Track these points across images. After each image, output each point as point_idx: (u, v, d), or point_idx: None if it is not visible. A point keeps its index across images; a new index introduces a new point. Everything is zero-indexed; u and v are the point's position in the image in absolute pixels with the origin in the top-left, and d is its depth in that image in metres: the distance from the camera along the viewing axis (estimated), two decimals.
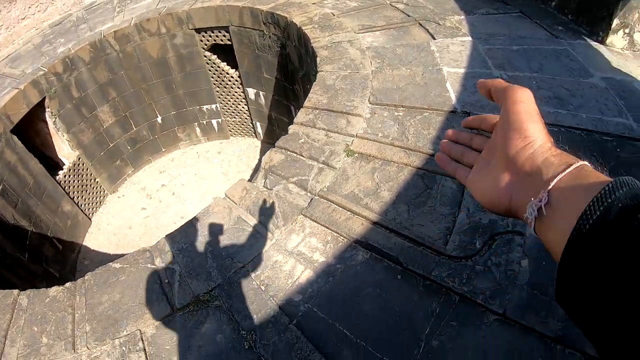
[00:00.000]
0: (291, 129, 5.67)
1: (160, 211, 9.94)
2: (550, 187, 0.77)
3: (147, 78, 10.03)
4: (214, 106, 11.15)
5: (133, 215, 9.96)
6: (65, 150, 9.11)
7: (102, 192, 10.39)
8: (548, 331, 3.37)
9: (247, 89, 10.41)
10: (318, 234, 4.34)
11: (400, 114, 5.66)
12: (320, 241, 4.27)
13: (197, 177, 10.66)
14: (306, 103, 6.05)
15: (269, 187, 4.87)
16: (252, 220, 4.51)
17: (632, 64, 6.40)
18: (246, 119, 11.30)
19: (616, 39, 6.76)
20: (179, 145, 11.61)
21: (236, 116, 11.35)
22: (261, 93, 10.30)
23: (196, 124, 11.44)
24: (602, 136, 5.04)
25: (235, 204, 4.75)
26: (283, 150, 5.36)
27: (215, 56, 10.16)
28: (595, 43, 6.87)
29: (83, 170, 9.63)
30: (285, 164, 5.16)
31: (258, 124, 11.23)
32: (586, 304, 0.63)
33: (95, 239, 9.64)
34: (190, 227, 4.57)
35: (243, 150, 11.40)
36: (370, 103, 5.93)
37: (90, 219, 10.04)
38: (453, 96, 5.83)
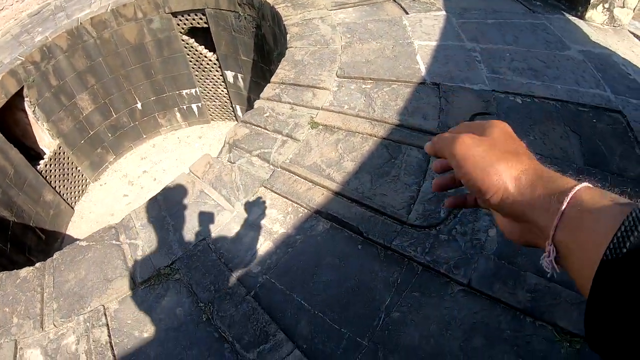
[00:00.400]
0: (257, 103, 5.58)
1: (142, 197, 9.57)
2: (551, 237, 0.68)
3: (125, 64, 9.89)
4: (193, 90, 11.05)
5: (115, 203, 9.90)
6: (46, 140, 8.98)
7: (84, 181, 10.26)
8: (516, 302, 3.26)
9: (226, 71, 10.32)
10: (278, 205, 4.26)
11: (368, 86, 5.57)
12: (280, 212, 4.19)
13: (179, 162, 10.59)
14: (273, 78, 5.95)
15: (232, 161, 4.79)
16: (214, 194, 4.44)
17: (611, 38, 6.29)
18: (226, 102, 11.23)
19: (595, 14, 6.66)
20: (160, 131, 11.51)
21: (216, 100, 11.26)
22: (239, 75, 10.24)
23: (176, 109, 11.34)
24: (578, 107, 4.96)
25: (199, 178, 4.67)
26: (247, 125, 5.27)
27: (193, 40, 10.05)
28: (574, 18, 6.78)
29: (64, 159, 9.48)
30: (249, 138, 5.07)
31: (238, 107, 11.12)
32: (624, 342, 0.55)
33: (78, 228, 9.55)
34: (154, 202, 4.48)
35: (224, 134, 9.91)
36: (338, 76, 5.83)
37: (72, 208, 9.93)
38: (423, 68, 5.73)
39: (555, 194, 0.70)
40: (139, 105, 10.76)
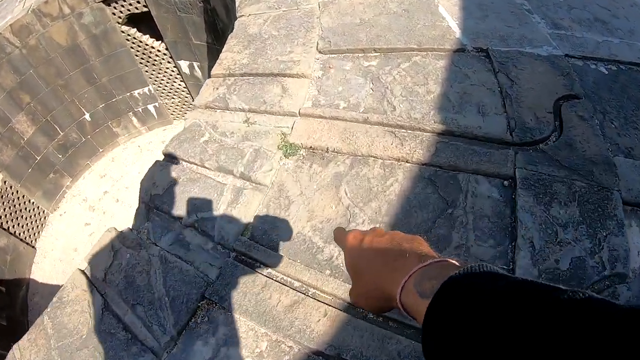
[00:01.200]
0: (189, 119, 3.41)
1: (105, 224, 8.13)
2: (398, 300, 0.79)
3: (61, 72, 8.09)
4: (146, 89, 9.18)
5: (77, 234, 8.32)
6: None
7: (41, 213, 8.52)
8: None
9: (179, 62, 8.55)
10: (244, 337, 2.21)
11: (373, 63, 3.44)
12: (249, 352, 2.13)
13: (141, 175, 8.17)
14: (215, 69, 3.73)
15: (146, 245, 2.69)
16: (122, 322, 2.48)
17: None
18: (186, 97, 9.36)
19: None
20: (118, 142, 9.76)
21: (174, 96, 9.41)
22: (195, 64, 8.43)
23: (131, 113, 9.47)
24: None
25: (95, 289, 2.63)
26: (174, 163, 3.14)
27: (135, 29, 8.27)
28: None
29: (12, 193, 7.88)
30: (176, 191, 2.94)
31: None
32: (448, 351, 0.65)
33: (42, 270, 8.01)
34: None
35: None
36: (320, 52, 3.63)
37: (33, 247, 8.25)
38: (453, 25, 3.65)
39: (391, 303, 0.84)
40: (87, 116, 8.94)
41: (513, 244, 2.16)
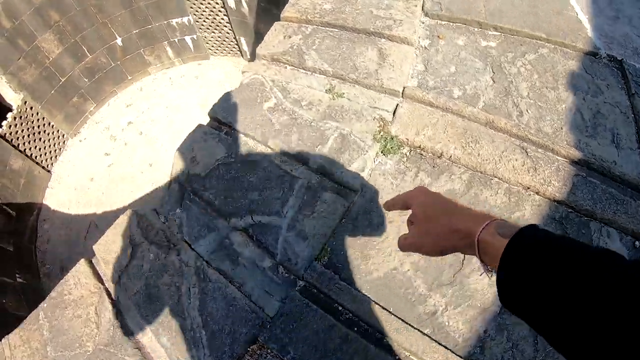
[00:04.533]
0: (248, 72, 2.53)
1: (126, 156, 7.64)
2: (477, 236, 0.84)
3: None
4: (185, 19, 8.18)
5: (95, 163, 7.63)
6: (10, 94, 6.90)
7: (60, 137, 7.79)
8: None
9: None
10: None
11: (493, 44, 2.61)
12: None
13: (170, 110, 8.21)
14: (287, 10, 2.82)
15: (179, 254, 1.96)
16: None
17: None
18: (227, 33, 8.27)
19: None
20: (148, 71, 8.75)
21: (215, 30, 8.33)
22: None
23: (166, 42, 8.50)
24: None
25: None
26: (225, 133, 2.32)
27: None
28: None
29: (32, 115, 7.20)
30: (224, 175, 2.15)
31: (243, 40, 8.34)
32: (524, 300, 0.70)
33: (55, 196, 7.35)
34: None
35: (226, 73, 8.71)
36: (427, 14, 2.74)
37: (49, 171, 7.59)
38: (584, 20, 2.88)
39: (469, 238, 0.87)
40: (118, 41, 8.00)
41: None
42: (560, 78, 2.44)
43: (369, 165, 2.01)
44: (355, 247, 1.82)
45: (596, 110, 2.32)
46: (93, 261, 2.04)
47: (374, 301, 1.68)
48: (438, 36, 2.59)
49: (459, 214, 0.94)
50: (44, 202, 7.27)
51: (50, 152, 7.60)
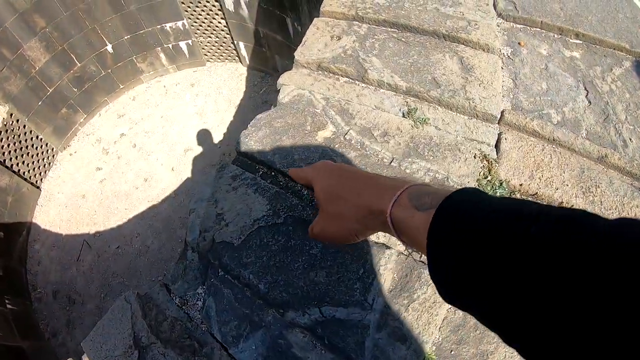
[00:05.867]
0: (288, 86, 1.79)
1: (119, 171, 7.10)
2: (389, 213, 0.70)
3: None
4: (180, 23, 7.60)
5: (87, 179, 7.07)
6: None
7: (49, 151, 7.23)
8: None
9: None
10: None
11: (577, 54, 2.05)
12: None
13: (165, 120, 7.68)
14: (328, 2, 2.13)
15: None
16: None
17: None
18: (225, 37, 7.75)
19: None
20: (141, 79, 8.12)
21: (211, 35, 7.78)
22: (242, 0, 6.85)
23: (159, 49, 7.92)
24: None
25: None
26: (263, 178, 1.60)
27: None
28: None
29: (18, 128, 6.72)
30: (268, 242, 1.44)
31: (241, 45, 7.83)
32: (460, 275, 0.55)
33: (46, 214, 6.80)
34: None
35: (224, 80, 8.20)
36: (501, 15, 2.16)
37: (38, 188, 7.04)
38: None
39: (380, 217, 0.72)
40: (109, 47, 7.42)
41: None
42: None
43: None
44: (470, 342, 1.18)
45: None
46: None
47: None
48: (519, 43, 1.96)
49: (369, 187, 0.77)
50: (34, 220, 6.74)
51: (39, 167, 7.07)
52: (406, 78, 1.66)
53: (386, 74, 1.66)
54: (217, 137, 7.08)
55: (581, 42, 2.09)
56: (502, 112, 1.63)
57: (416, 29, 1.88)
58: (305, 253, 1.31)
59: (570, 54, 2.00)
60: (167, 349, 1.29)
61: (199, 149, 7.00)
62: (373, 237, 1.36)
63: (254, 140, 1.56)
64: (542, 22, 2.11)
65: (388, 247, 1.29)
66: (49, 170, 7.20)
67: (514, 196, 1.45)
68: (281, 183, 1.49)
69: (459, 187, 0.60)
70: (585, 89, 1.89)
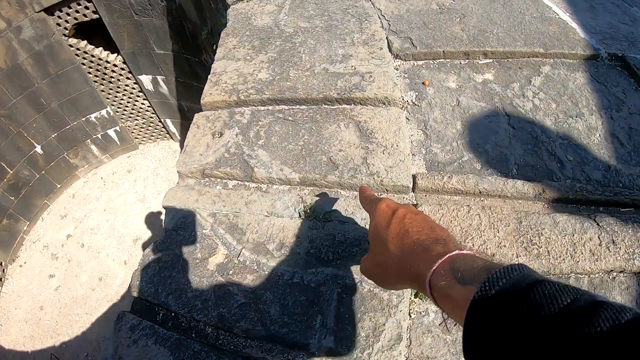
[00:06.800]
0: (173, 206, 1.54)
1: (72, 275, 6.70)
2: (427, 283, 0.67)
3: (3, 99, 6.28)
4: (104, 112, 7.40)
5: (42, 289, 6.65)
6: None
7: None
8: None
9: (140, 77, 6.83)
10: None
11: (489, 76, 1.88)
12: None
13: (108, 213, 7.40)
14: (208, 93, 1.89)
15: None
16: None
17: None
18: (151, 117, 7.57)
19: None
20: (77, 174, 7.87)
21: (137, 117, 7.57)
22: (159, 78, 6.77)
23: (89, 140, 7.68)
24: None
25: None
26: (150, 330, 1.28)
27: (85, 41, 6.47)
28: None
29: None
30: None
31: (169, 121, 7.69)
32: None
33: (7, 334, 6.36)
34: None
35: (159, 160, 8.06)
36: (397, 56, 1.94)
37: None
38: (567, 19, 2.28)
39: (419, 281, 0.70)
40: (38, 149, 7.10)
41: None
42: (578, 99, 1.73)
43: (404, 326, 1.11)
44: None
45: (628, 127, 1.66)
46: None
47: None
48: (423, 82, 1.76)
49: (412, 246, 0.74)
50: None
51: None
52: (298, 167, 1.42)
53: (275, 168, 1.42)
54: (163, 218, 6.92)
55: (491, 60, 1.90)
56: (414, 177, 1.42)
57: (305, 100, 1.65)
58: None
59: (482, 77, 1.80)
60: None
61: (147, 234, 6.75)
62: None
63: (145, 281, 1.31)
64: (444, 51, 1.90)
65: None
66: (2, 287, 6.75)
67: None
68: (183, 325, 1.23)
69: (505, 265, 0.56)
70: (506, 114, 1.67)
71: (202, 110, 1.77)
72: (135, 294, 1.32)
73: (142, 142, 8.13)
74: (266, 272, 1.22)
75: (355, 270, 1.22)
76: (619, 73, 1.98)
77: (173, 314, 1.25)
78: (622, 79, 1.95)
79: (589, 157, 1.53)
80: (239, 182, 1.49)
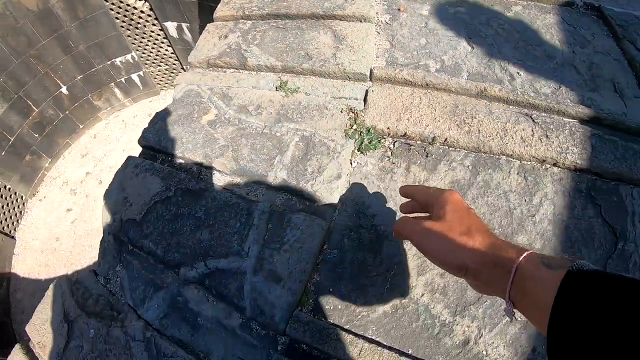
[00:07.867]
0: (180, 85, 2.05)
1: (89, 209, 7.14)
2: (507, 295, 0.71)
3: (33, 41, 6.61)
4: (129, 56, 7.69)
5: (59, 222, 7.11)
6: None
7: (19, 200, 7.26)
8: None
9: (165, 23, 7.01)
10: None
11: (461, 8, 2.23)
12: None
13: (127, 153, 7.29)
14: (220, 9, 2.36)
15: (123, 327, 1.43)
16: None
17: None
18: (174, 64, 7.91)
19: None
20: (99, 116, 8.29)
21: (161, 64, 7.93)
22: (184, 26, 6.93)
23: (113, 84, 7.99)
24: None
25: None
26: (159, 162, 1.82)
27: None
28: None
29: None
30: (164, 214, 1.63)
31: None
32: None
33: (23, 262, 6.84)
34: None
35: None
36: None
37: (13, 237, 7.04)
38: None
39: (505, 264, 0.72)
40: (64, 89, 7.45)
41: None
42: (543, 33, 2.03)
43: (345, 169, 1.52)
44: (347, 279, 1.35)
45: (589, 62, 1.93)
46: (30, 345, 1.55)
47: (386, 346, 1.22)
48: (399, 9, 2.16)
49: (496, 235, 0.80)
50: (12, 270, 6.74)
51: (11, 217, 7.05)
52: (281, 58, 1.85)
53: (263, 58, 1.86)
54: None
55: None
56: (372, 69, 1.81)
57: (295, 15, 2.07)
58: (192, 217, 1.50)
59: (455, 9, 2.15)
60: (90, 319, 1.47)
61: None
62: (243, 193, 1.56)
63: (151, 133, 1.76)
64: None
65: (258, 202, 1.49)
66: (21, 219, 7.19)
67: (383, 140, 1.63)
68: (175, 164, 1.68)
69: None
70: (469, 37, 2.01)
71: (212, 23, 2.23)
72: (142, 142, 1.78)
73: (164, 87, 8.38)
74: (244, 126, 1.67)
75: (311, 126, 1.65)
76: (592, 21, 2.21)
77: (170, 156, 1.71)
78: (594, 25, 2.18)
79: (540, 76, 1.82)
80: (235, 70, 1.94)
